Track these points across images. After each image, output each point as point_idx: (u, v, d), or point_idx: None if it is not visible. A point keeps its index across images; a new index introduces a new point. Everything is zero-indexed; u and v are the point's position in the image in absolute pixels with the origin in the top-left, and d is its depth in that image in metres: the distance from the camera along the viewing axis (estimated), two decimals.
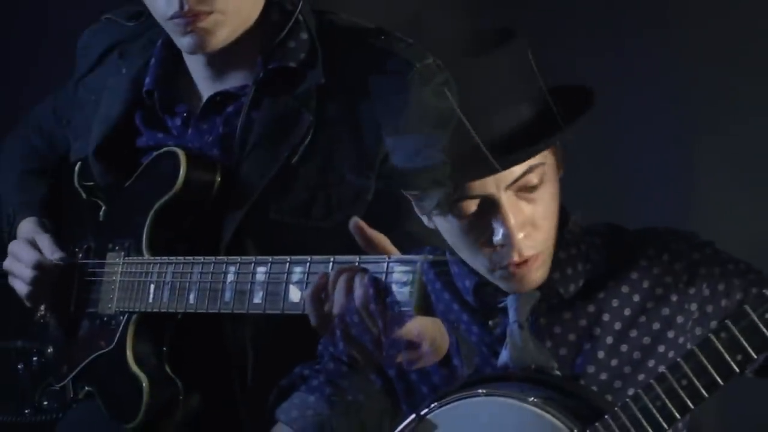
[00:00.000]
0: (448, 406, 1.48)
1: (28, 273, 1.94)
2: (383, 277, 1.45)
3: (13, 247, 2.00)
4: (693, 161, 1.78)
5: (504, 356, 1.54)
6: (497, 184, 1.46)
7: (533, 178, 1.48)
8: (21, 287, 1.97)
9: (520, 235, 1.46)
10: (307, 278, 1.55)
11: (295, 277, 1.57)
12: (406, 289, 1.42)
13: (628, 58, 1.55)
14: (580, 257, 1.59)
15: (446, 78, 1.47)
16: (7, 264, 2.00)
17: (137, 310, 1.82)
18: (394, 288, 1.43)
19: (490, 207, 1.47)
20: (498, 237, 1.47)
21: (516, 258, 1.47)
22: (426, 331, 1.49)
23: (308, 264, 1.55)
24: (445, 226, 1.53)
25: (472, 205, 1.47)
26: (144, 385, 1.78)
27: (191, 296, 1.73)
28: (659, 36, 1.59)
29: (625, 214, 1.64)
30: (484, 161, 1.41)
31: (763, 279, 1.54)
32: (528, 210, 1.49)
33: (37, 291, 1.97)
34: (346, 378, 1.67)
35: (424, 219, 1.57)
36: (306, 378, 1.71)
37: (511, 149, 1.44)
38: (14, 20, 2.79)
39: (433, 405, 1.50)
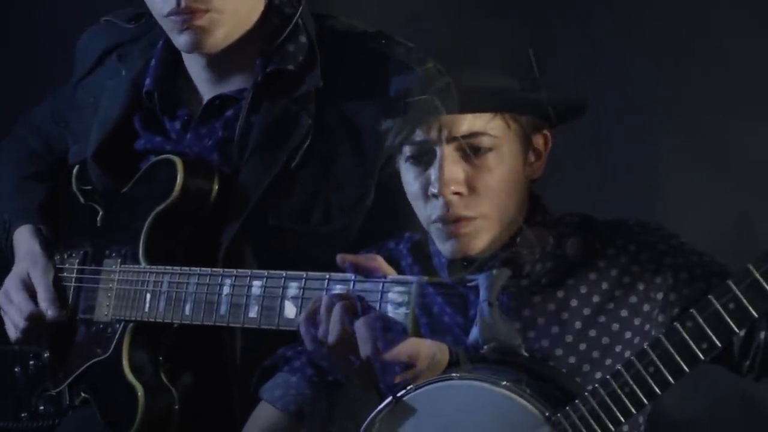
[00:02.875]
0: (423, 389, 1.43)
1: (20, 323, 1.84)
2: (378, 296, 1.37)
3: (9, 285, 1.88)
4: (660, 158, 1.75)
5: (474, 333, 1.49)
6: (440, 133, 1.44)
7: (481, 143, 1.46)
8: (11, 330, 1.87)
9: (451, 188, 1.45)
10: (303, 294, 1.47)
11: (290, 293, 1.49)
12: (402, 310, 1.35)
13: (598, 56, 1.50)
14: (550, 241, 1.55)
15: (447, 82, 1.43)
16: (1, 300, 1.88)
17: (133, 318, 1.73)
18: (390, 309, 1.36)
19: (433, 156, 1.46)
20: (432, 187, 1.46)
21: (444, 211, 1.45)
22: (421, 350, 1.42)
23: (304, 280, 1.47)
24: (404, 178, 1.53)
25: (418, 150, 1.47)
26: (139, 394, 1.69)
27: (187, 307, 1.64)
28: (630, 34, 1.54)
29: (597, 206, 1.62)
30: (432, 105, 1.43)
31: (723, 270, 1.50)
32: (468, 171, 1.46)
33: (26, 338, 1.86)
34: (326, 359, 1.62)
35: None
36: (288, 359, 1.67)
37: (463, 101, 1.43)
38: (12, 22, 2.70)
39: (409, 387, 1.44)
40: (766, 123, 1.69)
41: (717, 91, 1.68)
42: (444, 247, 1.50)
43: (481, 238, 1.48)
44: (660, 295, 1.50)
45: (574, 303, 1.50)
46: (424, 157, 1.48)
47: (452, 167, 1.45)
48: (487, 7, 1.72)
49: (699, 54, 1.70)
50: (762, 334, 1.44)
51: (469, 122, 1.45)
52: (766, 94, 1.69)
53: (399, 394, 1.45)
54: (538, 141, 1.54)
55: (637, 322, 1.49)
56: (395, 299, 1.36)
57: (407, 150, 1.50)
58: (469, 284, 1.54)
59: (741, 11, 1.64)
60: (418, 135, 1.47)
